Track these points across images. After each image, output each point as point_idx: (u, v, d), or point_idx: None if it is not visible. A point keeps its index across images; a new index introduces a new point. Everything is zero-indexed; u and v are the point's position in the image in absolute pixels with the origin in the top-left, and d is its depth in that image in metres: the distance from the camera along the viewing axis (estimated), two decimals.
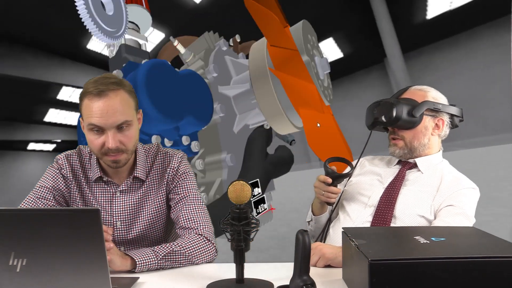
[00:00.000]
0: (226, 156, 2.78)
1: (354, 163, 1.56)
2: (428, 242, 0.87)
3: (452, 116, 1.52)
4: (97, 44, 4.81)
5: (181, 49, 2.90)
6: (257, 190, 2.91)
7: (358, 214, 1.47)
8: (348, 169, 1.50)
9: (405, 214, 1.39)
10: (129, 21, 2.70)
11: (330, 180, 1.46)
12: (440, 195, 1.40)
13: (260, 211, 3.03)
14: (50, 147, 5.69)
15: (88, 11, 2.28)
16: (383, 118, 1.48)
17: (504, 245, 0.85)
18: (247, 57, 2.86)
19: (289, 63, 2.46)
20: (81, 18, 2.30)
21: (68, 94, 5.30)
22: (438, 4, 3.63)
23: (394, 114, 1.44)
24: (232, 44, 3.05)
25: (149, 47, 3.25)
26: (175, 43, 2.90)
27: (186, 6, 3.84)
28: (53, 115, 5.40)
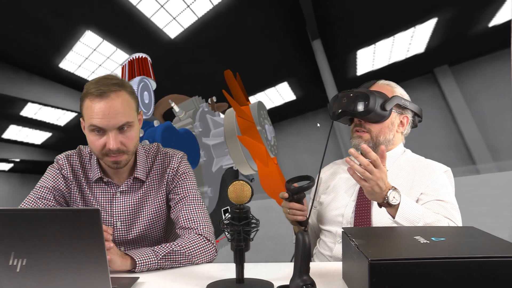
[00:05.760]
0: (207, 189, 3.82)
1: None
2: (428, 242, 0.87)
3: (414, 115, 1.49)
4: (70, 64, 4.75)
5: (176, 108, 4.00)
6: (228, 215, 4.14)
7: (337, 233, 1.45)
8: (307, 182, 1.43)
9: (383, 224, 1.36)
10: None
11: (286, 195, 1.43)
12: (416, 188, 1.37)
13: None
14: (6, 166, 5.26)
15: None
16: (353, 109, 1.38)
17: (504, 245, 0.85)
18: (223, 112, 4.15)
19: (248, 130, 3.91)
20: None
21: (34, 111, 5.04)
22: (365, 64, 4.94)
23: (367, 105, 1.36)
24: (210, 103, 4.29)
25: (112, 66, 4.06)
26: (172, 104, 3.97)
27: (159, 37, 4.70)
28: (14, 132, 5.06)
